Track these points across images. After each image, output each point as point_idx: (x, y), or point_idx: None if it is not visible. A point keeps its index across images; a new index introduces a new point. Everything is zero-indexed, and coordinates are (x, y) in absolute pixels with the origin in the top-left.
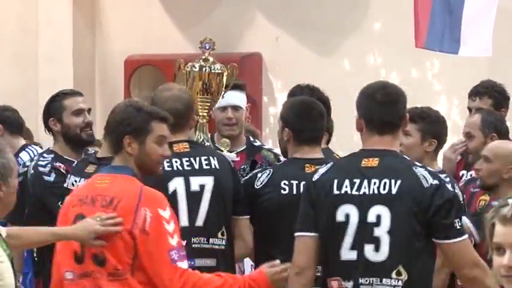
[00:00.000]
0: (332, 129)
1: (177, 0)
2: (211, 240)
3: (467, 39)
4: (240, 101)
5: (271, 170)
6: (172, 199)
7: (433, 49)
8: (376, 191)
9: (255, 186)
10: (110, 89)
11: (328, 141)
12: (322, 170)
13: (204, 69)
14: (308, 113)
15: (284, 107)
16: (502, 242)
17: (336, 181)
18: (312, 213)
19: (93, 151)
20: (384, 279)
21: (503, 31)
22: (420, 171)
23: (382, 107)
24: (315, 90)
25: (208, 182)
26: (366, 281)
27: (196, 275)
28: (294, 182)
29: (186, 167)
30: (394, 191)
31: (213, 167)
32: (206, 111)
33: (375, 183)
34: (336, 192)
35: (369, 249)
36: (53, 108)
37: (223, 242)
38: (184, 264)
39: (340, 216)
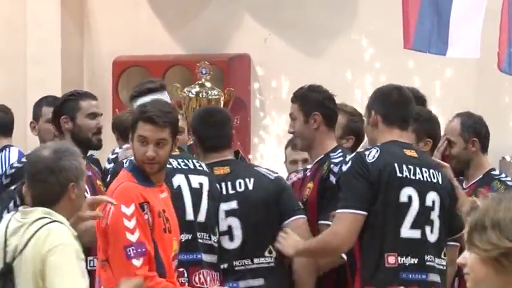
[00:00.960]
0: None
1: (165, 2)
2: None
3: (456, 41)
4: None
5: None
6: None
7: (421, 50)
8: (429, 179)
9: None
10: (98, 90)
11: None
12: (373, 153)
13: (200, 94)
14: (211, 121)
15: (192, 116)
16: None
17: (396, 164)
18: (369, 193)
19: None
20: (436, 259)
21: (491, 32)
22: None
23: (401, 105)
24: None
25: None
26: (430, 258)
27: (157, 282)
28: None
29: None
30: (440, 181)
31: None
32: None
33: (425, 172)
34: (399, 174)
35: (428, 230)
36: (67, 107)
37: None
38: (138, 262)
39: (403, 197)
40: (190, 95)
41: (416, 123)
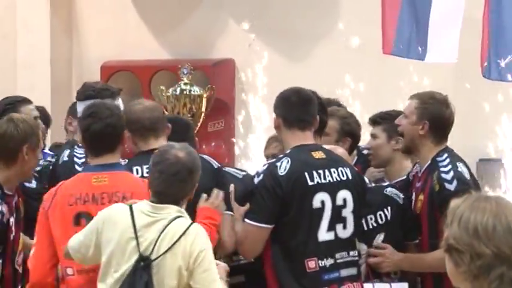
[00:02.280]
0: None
1: (152, 8)
2: None
3: (434, 46)
4: None
5: None
6: None
7: (400, 55)
8: (338, 178)
9: None
10: None
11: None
12: (284, 164)
13: (184, 92)
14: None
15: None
16: None
17: (306, 174)
18: (277, 207)
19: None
20: (351, 252)
21: (468, 39)
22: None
23: (299, 107)
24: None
25: None
26: (341, 255)
27: None
28: None
29: None
30: (349, 176)
31: None
32: None
33: (334, 172)
34: (310, 183)
35: (339, 228)
36: None
37: None
38: None
39: (316, 203)
40: (174, 92)
41: (386, 122)
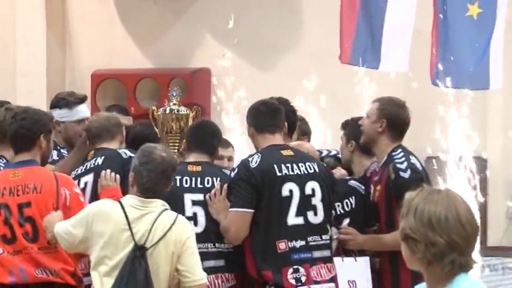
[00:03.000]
0: (309, 132)
1: (136, 22)
2: None
3: (387, 56)
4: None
5: None
6: None
7: (356, 64)
8: (305, 171)
9: None
10: None
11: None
12: (256, 159)
13: (172, 112)
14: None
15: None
16: None
17: (275, 166)
18: (253, 194)
19: None
20: (323, 236)
21: (417, 49)
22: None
23: (266, 115)
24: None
25: None
26: (313, 238)
27: None
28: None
29: None
30: (316, 170)
31: None
32: (177, 145)
33: (302, 166)
34: (278, 174)
35: (310, 214)
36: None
37: None
38: None
39: (285, 192)
40: (166, 112)
41: (346, 129)
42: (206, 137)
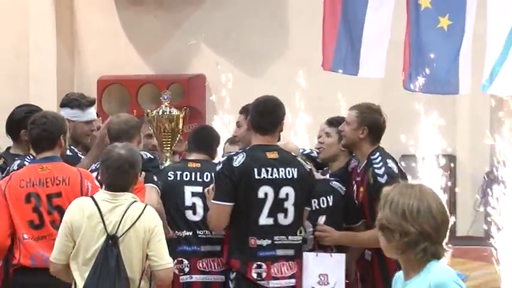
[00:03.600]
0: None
1: (139, 33)
2: None
3: (365, 64)
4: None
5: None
6: None
7: (337, 71)
8: (284, 176)
9: None
10: None
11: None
12: (240, 158)
13: (164, 114)
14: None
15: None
16: None
17: (255, 169)
18: (233, 189)
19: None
20: (289, 237)
21: (392, 57)
22: (299, 160)
23: (264, 114)
24: None
25: None
26: (279, 238)
27: None
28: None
29: None
30: (295, 176)
31: None
32: (169, 143)
33: (282, 170)
34: (257, 177)
35: (281, 216)
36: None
37: None
38: None
39: (261, 194)
40: (159, 114)
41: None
42: (205, 140)
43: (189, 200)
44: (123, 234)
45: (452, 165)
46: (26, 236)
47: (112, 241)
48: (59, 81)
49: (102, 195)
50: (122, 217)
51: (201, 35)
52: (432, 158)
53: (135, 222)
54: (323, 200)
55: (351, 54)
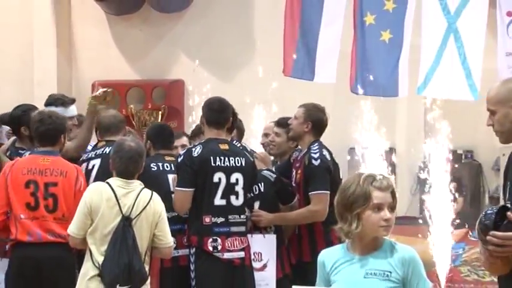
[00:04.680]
0: (243, 130)
1: (126, 44)
2: None
3: (320, 71)
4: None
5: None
6: None
7: (296, 77)
8: (234, 164)
9: None
10: (82, 104)
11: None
12: (198, 149)
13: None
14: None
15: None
16: (381, 202)
17: (211, 157)
18: (193, 177)
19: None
20: (241, 216)
21: (342, 65)
22: (245, 149)
23: (217, 112)
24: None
25: None
26: (233, 217)
27: None
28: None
29: None
30: (243, 164)
31: None
32: None
33: (232, 159)
34: (213, 164)
35: (233, 198)
36: (25, 119)
37: None
38: None
39: (215, 179)
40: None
41: (288, 127)
42: (171, 138)
43: (172, 187)
44: (136, 216)
45: (392, 156)
46: (22, 216)
47: (127, 222)
48: (59, 85)
49: (116, 181)
50: (135, 201)
51: (180, 46)
52: (375, 150)
53: (145, 206)
54: (255, 188)
55: (307, 62)
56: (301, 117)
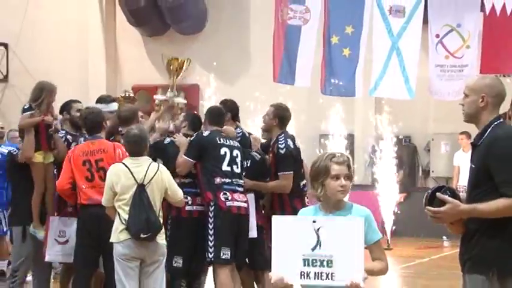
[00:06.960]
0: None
1: (156, 58)
2: None
3: (298, 77)
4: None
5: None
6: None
7: (281, 82)
8: (232, 144)
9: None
10: None
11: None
12: (207, 132)
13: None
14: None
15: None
16: (339, 173)
17: (217, 138)
18: (198, 152)
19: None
20: (240, 180)
21: (315, 73)
22: (243, 133)
23: (217, 115)
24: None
25: None
26: (236, 180)
27: None
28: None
29: None
30: (238, 145)
31: None
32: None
33: (231, 141)
34: (219, 142)
35: (235, 167)
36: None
37: None
38: None
39: (222, 152)
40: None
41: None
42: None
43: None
44: (147, 183)
45: (352, 140)
46: (83, 186)
47: (142, 188)
48: (108, 88)
49: (128, 160)
50: (146, 172)
51: (196, 59)
52: (339, 136)
53: (155, 174)
54: (245, 163)
55: (290, 71)
56: (271, 114)
